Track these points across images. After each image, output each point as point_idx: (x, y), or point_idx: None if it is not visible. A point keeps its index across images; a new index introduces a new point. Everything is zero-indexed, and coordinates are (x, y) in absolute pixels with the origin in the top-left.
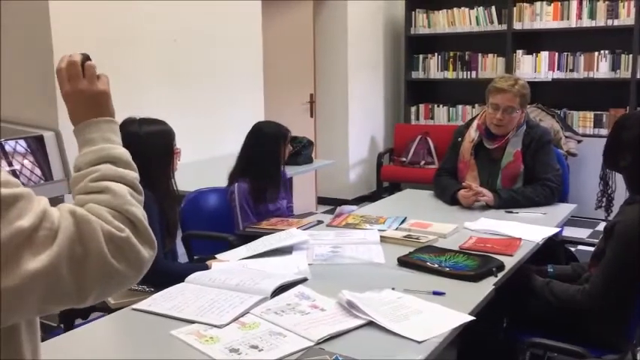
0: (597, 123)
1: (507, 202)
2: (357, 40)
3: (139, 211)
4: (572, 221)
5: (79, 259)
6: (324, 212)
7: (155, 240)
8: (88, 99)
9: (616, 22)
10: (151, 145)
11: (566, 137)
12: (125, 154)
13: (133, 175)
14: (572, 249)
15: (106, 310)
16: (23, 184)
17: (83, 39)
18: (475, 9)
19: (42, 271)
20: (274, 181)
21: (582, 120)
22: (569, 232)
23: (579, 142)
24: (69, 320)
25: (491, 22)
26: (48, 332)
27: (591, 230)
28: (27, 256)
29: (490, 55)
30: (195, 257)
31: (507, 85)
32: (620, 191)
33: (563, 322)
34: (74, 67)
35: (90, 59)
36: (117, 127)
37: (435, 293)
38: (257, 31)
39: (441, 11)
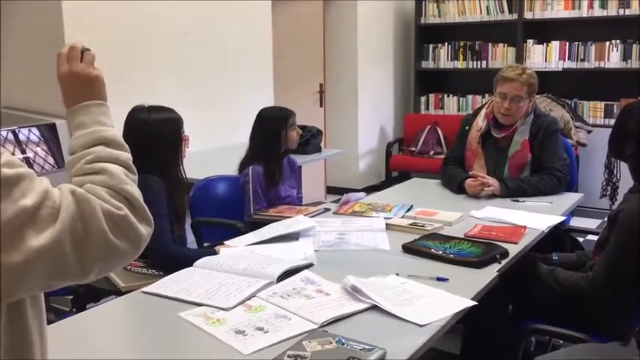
0: (608, 113)
1: (514, 191)
2: (367, 30)
3: (135, 190)
4: (581, 211)
5: (81, 236)
6: (333, 202)
7: (152, 217)
8: (82, 81)
9: (627, 12)
10: (160, 132)
11: (577, 127)
12: (117, 135)
13: (127, 155)
14: (581, 239)
15: (117, 292)
16: (36, 172)
17: (96, 36)
18: None
19: (45, 247)
20: (278, 163)
21: (593, 110)
22: (578, 222)
23: (589, 132)
24: (81, 304)
25: (502, 12)
26: (60, 316)
27: (600, 220)
28: (31, 233)
29: (500, 45)
30: (205, 244)
31: (515, 74)
32: (625, 180)
33: (567, 309)
34: (74, 51)
35: (89, 51)
36: (108, 109)
37: (439, 279)
38: (267, 27)
39: (451, 1)
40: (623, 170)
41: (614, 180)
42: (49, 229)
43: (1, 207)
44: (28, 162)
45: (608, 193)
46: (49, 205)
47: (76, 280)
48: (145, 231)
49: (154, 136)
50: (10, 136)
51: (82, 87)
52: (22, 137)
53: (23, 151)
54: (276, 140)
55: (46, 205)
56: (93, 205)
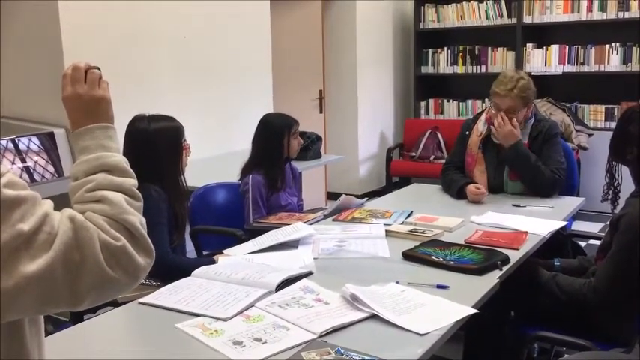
0: (608, 116)
1: (520, 154)
2: (366, 36)
3: (136, 219)
4: (583, 215)
5: (75, 264)
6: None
7: (153, 248)
8: (85, 103)
9: (627, 15)
10: (160, 141)
11: (577, 131)
12: (121, 161)
13: (130, 182)
14: (583, 243)
15: (114, 303)
16: (36, 181)
17: (92, 37)
18: (484, 2)
19: (37, 274)
20: (281, 171)
21: (593, 113)
22: (580, 227)
23: (590, 135)
24: (78, 314)
25: (501, 16)
26: (58, 326)
27: (602, 224)
28: (24, 258)
29: (500, 49)
30: (204, 252)
31: (505, 90)
32: (627, 184)
33: (569, 315)
34: (77, 72)
35: (98, 69)
36: (113, 132)
37: (439, 286)
38: (266, 30)
39: (450, 5)
40: (625, 174)
41: (615, 184)
42: (43, 256)
43: None
44: (29, 171)
45: (609, 197)
46: (47, 230)
47: (68, 307)
48: (144, 262)
49: (155, 144)
50: (11, 145)
51: (87, 109)
52: (22, 147)
53: (23, 160)
54: (278, 147)
55: (43, 231)
56: (90, 233)
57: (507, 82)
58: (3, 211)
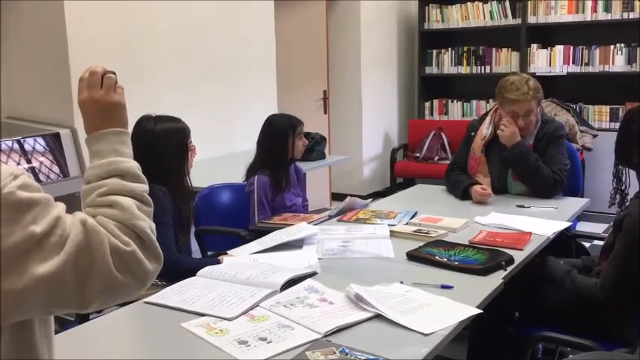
0: (613, 117)
1: (522, 151)
2: (371, 36)
3: (147, 225)
4: (587, 216)
5: (85, 268)
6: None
7: (161, 254)
8: (101, 108)
9: (632, 15)
10: (166, 142)
11: (582, 132)
12: (133, 167)
13: (142, 188)
14: (587, 244)
15: (120, 303)
16: (41, 181)
17: (98, 37)
18: (489, 3)
19: (47, 276)
20: (285, 170)
21: (598, 114)
22: (585, 227)
23: (595, 136)
24: (84, 314)
25: (505, 17)
26: (64, 326)
27: (607, 225)
28: (35, 260)
29: (504, 50)
30: (209, 253)
31: (521, 95)
32: (634, 187)
33: (576, 315)
34: (94, 77)
35: (114, 74)
36: (127, 137)
37: (443, 287)
38: (270, 30)
39: (454, 6)
40: (632, 177)
41: (622, 188)
42: (53, 258)
43: (9, 230)
44: (34, 172)
45: (617, 201)
46: (58, 233)
47: (76, 310)
48: (152, 267)
49: (161, 145)
50: (16, 146)
51: (102, 114)
52: (27, 147)
53: (29, 161)
54: (282, 147)
55: (55, 233)
56: (101, 237)
57: (519, 86)
58: (16, 213)
